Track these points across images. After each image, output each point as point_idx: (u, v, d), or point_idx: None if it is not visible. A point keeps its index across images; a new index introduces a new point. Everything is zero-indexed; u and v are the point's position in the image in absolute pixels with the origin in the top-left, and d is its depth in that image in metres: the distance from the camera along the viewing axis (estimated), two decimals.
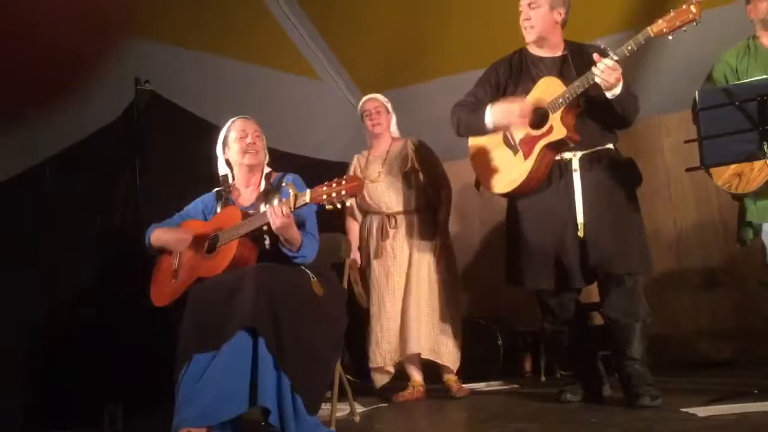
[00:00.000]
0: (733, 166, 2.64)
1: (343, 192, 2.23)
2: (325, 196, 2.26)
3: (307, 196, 2.30)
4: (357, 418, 2.85)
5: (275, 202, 2.44)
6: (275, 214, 2.30)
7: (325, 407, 2.51)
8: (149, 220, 3.22)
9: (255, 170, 2.70)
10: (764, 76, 2.58)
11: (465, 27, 4.48)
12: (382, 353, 3.52)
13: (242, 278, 2.25)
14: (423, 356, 3.50)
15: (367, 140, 3.86)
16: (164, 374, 2.40)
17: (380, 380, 3.60)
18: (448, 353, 3.52)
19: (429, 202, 3.68)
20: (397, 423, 2.98)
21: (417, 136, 3.85)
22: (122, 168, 3.35)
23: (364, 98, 3.85)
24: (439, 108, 3.92)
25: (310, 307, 2.35)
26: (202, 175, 3.41)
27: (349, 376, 3.10)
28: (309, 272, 2.48)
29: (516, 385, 3.85)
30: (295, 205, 2.31)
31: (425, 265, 3.57)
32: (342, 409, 2.92)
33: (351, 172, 3.79)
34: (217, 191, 2.74)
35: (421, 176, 3.65)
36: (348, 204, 2.28)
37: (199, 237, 2.53)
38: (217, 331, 2.18)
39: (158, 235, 2.60)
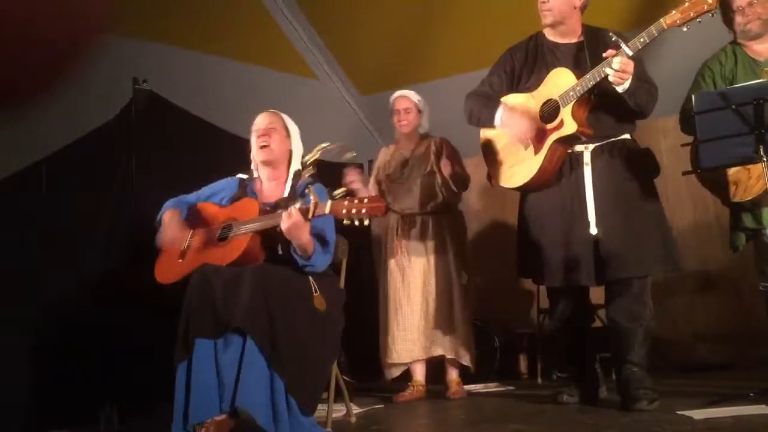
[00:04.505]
0: (728, 174, 2.62)
1: (364, 211, 2.19)
2: (344, 211, 2.21)
3: (327, 207, 2.25)
4: (353, 419, 2.84)
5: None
6: (287, 216, 2.26)
7: (322, 408, 2.50)
8: (145, 219, 3.23)
9: (274, 165, 2.64)
10: (761, 80, 2.59)
11: (464, 27, 4.48)
12: (398, 351, 3.54)
13: (241, 275, 2.24)
14: (448, 357, 3.52)
15: (396, 134, 3.80)
16: (160, 375, 2.40)
17: (392, 373, 3.62)
18: (466, 355, 3.53)
19: (447, 205, 3.65)
20: (393, 424, 2.98)
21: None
22: (119, 167, 3.34)
23: (396, 94, 3.74)
24: (438, 108, 3.92)
25: (308, 307, 2.35)
26: (200, 175, 3.40)
27: (345, 377, 3.10)
28: (313, 284, 2.42)
29: (512, 387, 3.85)
30: (313, 213, 2.26)
31: (441, 267, 3.56)
32: (338, 410, 2.91)
33: (376, 166, 3.78)
34: (240, 179, 2.70)
35: (439, 178, 3.60)
36: (366, 223, 2.22)
37: (212, 222, 2.52)
38: (216, 318, 2.19)
39: (167, 221, 2.54)
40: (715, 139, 2.42)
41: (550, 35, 2.83)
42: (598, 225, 2.60)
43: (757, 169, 2.48)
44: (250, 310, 2.16)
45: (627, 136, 2.73)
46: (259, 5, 4.60)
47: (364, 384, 4.04)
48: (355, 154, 3.55)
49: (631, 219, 2.62)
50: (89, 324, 3.11)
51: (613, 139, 2.69)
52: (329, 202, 2.26)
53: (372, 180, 3.81)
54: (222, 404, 2.15)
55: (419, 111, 3.70)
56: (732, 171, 2.62)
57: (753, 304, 3.72)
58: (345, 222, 2.22)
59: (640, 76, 2.57)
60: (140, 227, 3.22)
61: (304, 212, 2.27)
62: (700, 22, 2.37)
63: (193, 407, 2.14)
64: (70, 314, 3.15)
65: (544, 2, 2.75)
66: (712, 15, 2.37)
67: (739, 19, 2.77)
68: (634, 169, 2.67)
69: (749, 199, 2.61)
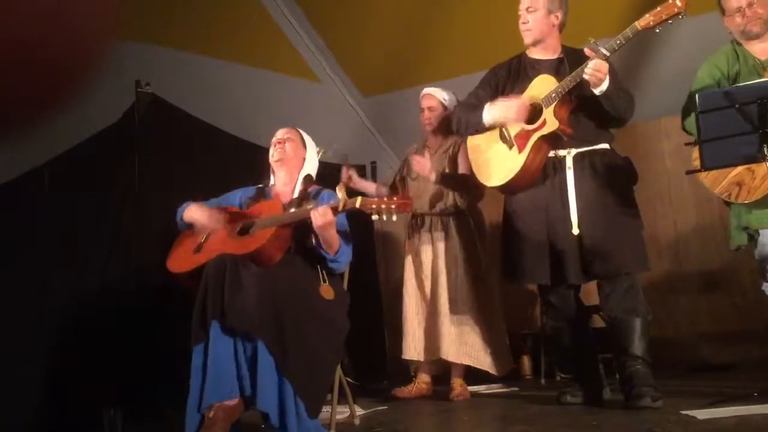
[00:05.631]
0: (731, 175, 2.61)
1: (393, 206, 2.30)
2: (374, 206, 2.32)
3: (357, 202, 2.36)
4: (357, 421, 2.84)
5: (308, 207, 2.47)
6: (321, 214, 2.35)
7: (325, 410, 2.51)
8: (148, 222, 3.23)
9: (285, 168, 2.75)
10: (765, 79, 2.58)
11: (465, 30, 4.49)
12: (417, 347, 3.57)
13: (245, 278, 2.24)
14: (458, 361, 3.47)
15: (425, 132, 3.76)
16: (164, 379, 2.40)
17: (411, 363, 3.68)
18: (466, 357, 3.47)
19: (457, 208, 3.60)
20: (396, 426, 2.97)
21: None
22: (122, 170, 3.35)
23: (424, 91, 3.71)
24: None
25: (314, 310, 2.36)
26: (203, 177, 3.41)
27: (348, 379, 3.10)
28: (323, 274, 2.49)
29: (516, 388, 3.85)
30: (344, 207, 2.37)
31: (450, 269, 3.53)
32: (342, 412, 2.91)
33: (406, 161, 3.75)
34: (257, 187, 2.81)
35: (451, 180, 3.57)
36: (394, 219, 2.34)
37: (233, 220, 2.57)
38: (222, 307, 2.20)
39: (191, 211, 2.60)
40: (719, 139, 2.41)
41: (532, 53, 2.97)
42: (580, 225, 2.72)
43: (761, 170, 2.48)
44: (258, 315, 2.17)
45: (606, 145, 2.86)
46: (262, 8, 4.61)
47: (366, 385, 4.04)
48: (324, 151, 3.37)
49: (611, 221, 2.75)
50: (93, 326, 3.11)
51: (593, 147, 2.82)
52: (359, 198, 2.38)
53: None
54: (241, 389, 2.16)
55: (445, 109, 3.63)
56: (735, 172, 2.61)
57: (756, 304, 3.71)
58: (374, 217, 2.34)
59: (616, 84, 2.70)
60: (143, 229, 3.24)
61: (334, 209, 2.38)
62: (671, 23, 2.49)
63: (208, 388, 2.14)
64: (73, 316, 3.15)
65: (524, 23, 2.90)
66: (682, 17, 2.46)
67: (738, 19, 2.79)
68: (614, 176, 2.80)
69: (754, 200, 2.59)
